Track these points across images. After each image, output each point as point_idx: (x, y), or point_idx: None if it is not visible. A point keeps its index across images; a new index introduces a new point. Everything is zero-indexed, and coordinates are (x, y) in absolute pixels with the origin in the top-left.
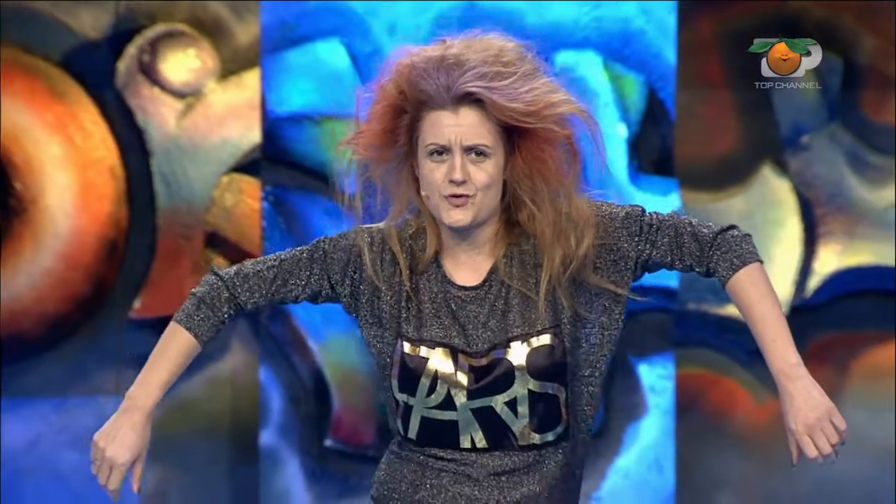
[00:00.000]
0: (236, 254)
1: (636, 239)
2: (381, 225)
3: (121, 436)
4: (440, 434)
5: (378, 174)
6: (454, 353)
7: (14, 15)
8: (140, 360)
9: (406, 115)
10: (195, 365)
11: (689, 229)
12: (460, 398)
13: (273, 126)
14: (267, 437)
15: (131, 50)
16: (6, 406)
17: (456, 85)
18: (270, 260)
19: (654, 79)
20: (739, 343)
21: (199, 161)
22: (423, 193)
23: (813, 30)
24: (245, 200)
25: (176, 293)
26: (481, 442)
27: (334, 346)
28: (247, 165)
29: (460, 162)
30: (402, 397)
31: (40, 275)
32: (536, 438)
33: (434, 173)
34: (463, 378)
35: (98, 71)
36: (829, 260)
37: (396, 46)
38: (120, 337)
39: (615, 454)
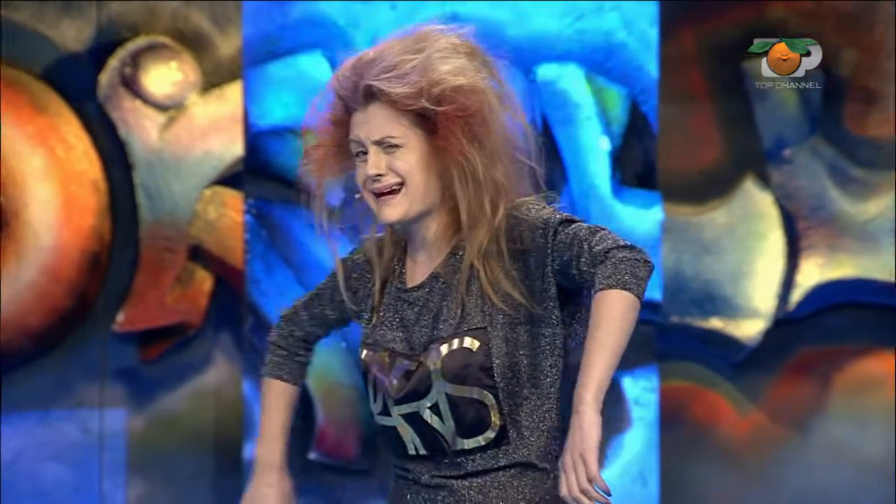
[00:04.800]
0: (220, 267)
1: (547, 246)
2: (378, 235)
3: (260, 497)
4: (391, 441)
5: (339, 185)
6: (393, 357)
7: None
8: (123, 373)
9: (345, 124)
10: (179, 378)
11: (588, 244)
12: (391, 404)
13: (255, 139)
14: (251, 450)
15: (113, 62)
16: None
17: (360, 83)
18: (315, 290)
19: (636, 92)
20: (723, 356)
21: (181, 174)
22: (357, 196)
23: None
24: (228, 213)
25: (159, 306)
26: (421, 449)
27: (318, 359)
28: (229, 178)
29: (373, 158)
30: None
31: (23, 288)
32: (466, 444)
33: (359, 173)
34: (392, 384)
35: (80, 84)
36: (812, 273)
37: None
38: (103, 350)
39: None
